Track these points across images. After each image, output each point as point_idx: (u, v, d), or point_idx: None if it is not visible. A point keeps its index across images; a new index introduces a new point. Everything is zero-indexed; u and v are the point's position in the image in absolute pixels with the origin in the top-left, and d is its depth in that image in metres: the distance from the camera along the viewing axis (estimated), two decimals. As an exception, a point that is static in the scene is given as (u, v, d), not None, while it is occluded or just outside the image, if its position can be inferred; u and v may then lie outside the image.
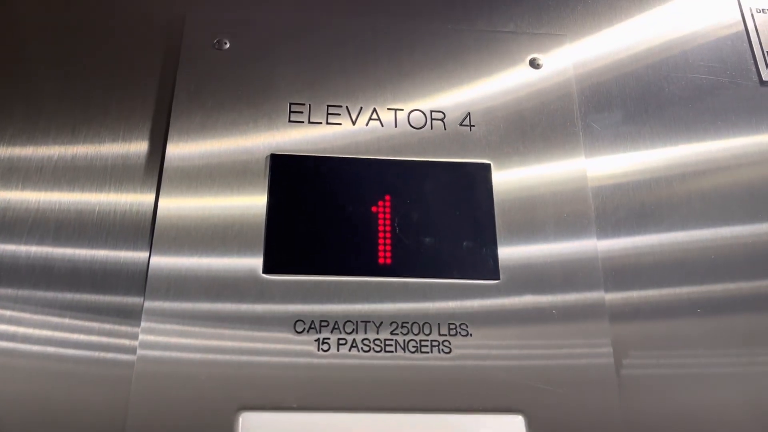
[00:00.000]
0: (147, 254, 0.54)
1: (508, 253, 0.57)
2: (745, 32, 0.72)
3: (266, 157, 0.59)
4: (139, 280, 0.54)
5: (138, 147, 0.59)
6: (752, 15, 0.73)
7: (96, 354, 0.51)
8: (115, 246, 0.55)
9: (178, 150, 0.58)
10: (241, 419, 0.49)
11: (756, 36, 0.72)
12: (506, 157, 0.61)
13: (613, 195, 0.62)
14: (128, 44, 0.63)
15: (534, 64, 0.66)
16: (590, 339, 0.55)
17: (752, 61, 0.71)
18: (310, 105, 0.62)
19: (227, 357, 0.51)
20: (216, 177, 0.58)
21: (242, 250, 0.55)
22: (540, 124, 0.63)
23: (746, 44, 0.72)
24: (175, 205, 0.56)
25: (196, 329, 0.52)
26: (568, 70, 0.66)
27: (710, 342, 0.57)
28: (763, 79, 0.70)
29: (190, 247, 0.55)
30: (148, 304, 0.52)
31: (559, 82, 0.66)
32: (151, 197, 0.57)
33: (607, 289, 0.57)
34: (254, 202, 0.57)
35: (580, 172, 0.62)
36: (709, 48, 0.71)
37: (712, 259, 0.60)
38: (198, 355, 0.51)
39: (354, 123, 0.61)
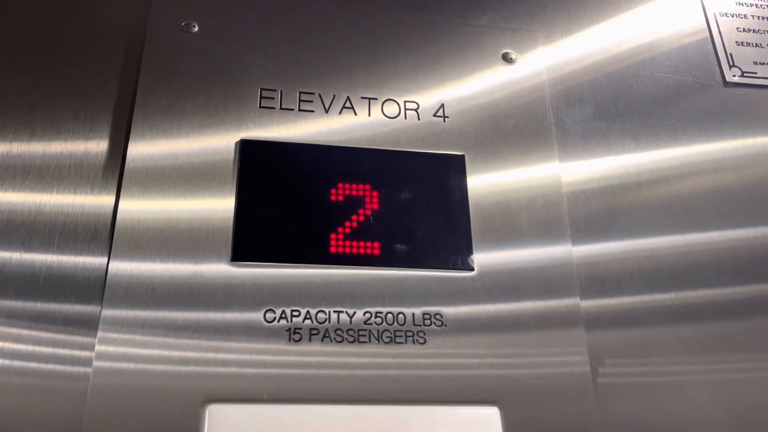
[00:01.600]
0: (105, 259, 0.51)
1: (482, 248, 0.57)
2: (709, 35, 0.74)
3: (236, 142, 0.57)
4: (96, 287, 0.50)
5: (99, 138, 0.56)
6: (716, 19, 0.75)
7: (48, 366, 0.47)
8: (70, 251, 0.52)
9: (143, 134, 0.56)
10: (207, 412, 0.47)
11: (720, 38, 0.73)
12: (480, 149, 0.61)
13: (586, 198, 0.62)
14: (91, 28, 0.61)
15: (507, 58, 0.66)
16: (566, 347, 0.54)
17: (716, 63, 0.72)
18: (281, 91, 0.60)
19: (193, 354, 0.49)
20: (184, 163, 0.55)
21: (209, 243, 0.53)
22: (513, 117, 0.63)
23: (710, 46, 0.73)
24: (139, 198, 0.53)
25: (159, 338, 0.49)
26: (540, 65, 0.67)
27: (685, 349, 0.57)
28: (727, 80, 0.72)
29: (155, 248, 0.52)
30: (106, 313, 0.49)
31: (531, 76, 0.66)
32: (111, 198, 0.54)
33: (582, 296, 0.57)
34: (222, 190, 0.55)
35: (554, 171, 0.61)
36: (676, 49, 0.72)
37: (686, 265, 0.61)
38: (161, 356, 0.48)
39: (327, 111, 0.60)
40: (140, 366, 0.47)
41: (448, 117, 0.62)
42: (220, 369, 0.48)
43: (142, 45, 0.59)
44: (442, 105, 0.62)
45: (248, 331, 0.50)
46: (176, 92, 0.58)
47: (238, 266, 0.52)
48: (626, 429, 0.53)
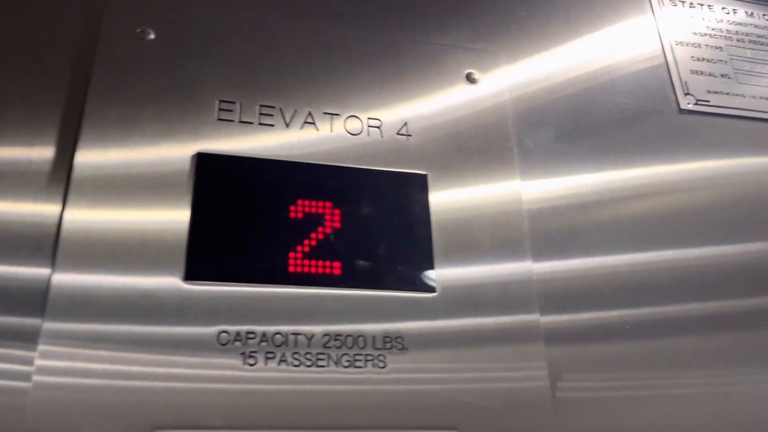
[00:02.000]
0: (49, 271, 0.48)
1: (444, 267, 0.56)
2: (665, 62, 0.75)
3: (192, 155, 0.55)
4: (38, 300, 0.47)
5: (45, 145, 0.53)
6: (671, 47, 0.77)
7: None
8: (11, 262, 0.48)
9: (92, 143, 0.53)
10: (155, 440, 0.44)
11: (675, 66, 0.75)
12: (443, 168, 0.60)
13: (547, 217, 0.62)
14: (40, 31, 0.57)
15: (470, 78, 0.66)
16: (526, 362, 0.54)
17: (671, 90, 0.74)
18: (241, 104, 0.58)
19: (140, 375, 0.46)
20: (136, 175, 0.53)
21: (161, 259, 0.50)
22: (476, 137, 0.63)
23: (666, 73, 0.75)
24: (86, 208, 0.50)
25: (104, 352, 0.46)
26: (503, 86, 0.67)
27: (641, 364, 0.58)
28: (681, 107, 0.73)
29: (102, 261, 0.49)
30: (48, 326, 0.46)
31: (494, 97, 0.66)
32: (56, 209, 0.50)
33: (542, 312, 0.57)
34: (177, 205, 0.52)
35: (515, 191, 0.61)
36: (633, 74, 0.74)
37: (642, 283, 0.61)
38: (107, 373, 0.45)
39: (288, 125, 0.58)
40: (84, 381, 0.45)
41: (411, 135, 0.61)
42: (169, 393, 0.46)
43: (95, 50, 0.57)
44: (406, 123, 0.62)
45: (200, 353, 0.48)
46: (130, 101, 0.55)
47: (191, 284, 0.50)
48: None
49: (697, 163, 0.70)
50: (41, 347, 0.45)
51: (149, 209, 0.52)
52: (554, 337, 0.56)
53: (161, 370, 0.46)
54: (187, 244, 0.51)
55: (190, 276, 0.50)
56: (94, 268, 0.48)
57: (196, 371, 0.47)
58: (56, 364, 0.45)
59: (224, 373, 0.47)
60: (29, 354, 0.45)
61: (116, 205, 0.51)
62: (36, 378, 0.44)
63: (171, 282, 0.49)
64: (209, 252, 0.51)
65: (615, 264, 0.62)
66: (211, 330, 0.49)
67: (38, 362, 0.45)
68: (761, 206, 0.70)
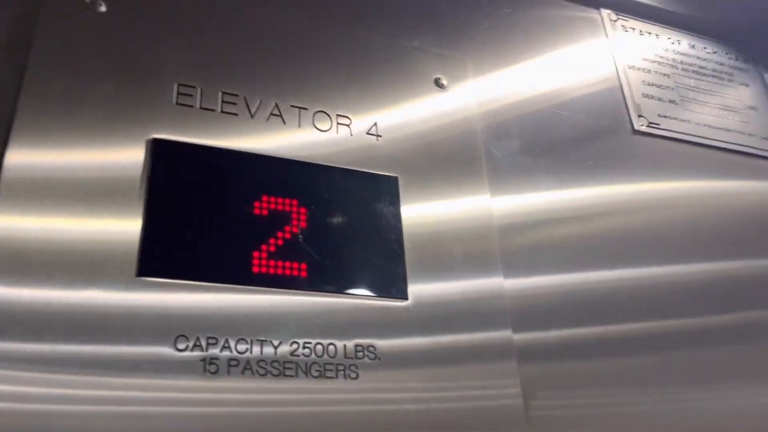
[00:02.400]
0: None
1: (416, 276, 0.53)
2: (619, 84, 0.77)
3: (147, 140, 0.49)
4: None
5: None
6: (625, 70, 0.78)
7: None
8: None
9: (30, 125, 0.46)
10: (98, 459, 0.38)
11: (629, 89, 0.77)
12: (413, 173, 0.58)
13: (515, 231, 0.61)
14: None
15: (438, 83, 0.64)
16: (499, 379, 0.52)
17: (626, 111, 0.75)
18: (201, 89, 0.53)
19: (86, 390, 0.40)
20: (82, 162, 0.46)
21: (110, 255, 0.44)
22: (444, 145, 0.61)
23: (621, 95, 0.76)
24: (21, 207, 0.43)
25: (48, 375, 0.39)
26: (471, 94, 0.65)
27: (610, 381, 0.57)
28: (635, 128, 0.75)
29: (42, 266, 0.42)
30: None
31: (462, 105, 0.64)
32: None
33: (514, 330, 0.55)
34: (128, 195, 0.46)
35: (486, 204, 0.59)
36: (591, 94, 0.74)
37: (607, 300, 0.61)
38: (53, 397, 0.39)
39: (252, 116, 0.54)
40: (24, 406, 0.38)
41: (381, 136, 0.58)
42: (120, 408, 0.40)
43: (36, 18, 0.50)
44: (375, 123, 0.59)
45: (156, 363, 0.42)
46: (76, 78, 0.49)
47: (144, 285, 0.44)
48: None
49: (649, 183, 0.72)
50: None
51: (96, 202, 0.45)
52: (527, 354, 0.54)
53: (113, 382, 0.40)
54: (140, 237, 0.45)
55: (143, 272, 0.44)
56: (34, 278, 0.41)
57: (151, 383, 0.41)
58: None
59: (182, 384, 0.42)
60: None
61: (55, 199, 0.44)
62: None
63: (121, 283, 0.43)
64: (165, 245, 0.45)
65: (581, 281, 0.61)
66: (168, 336, 0.43)
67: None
68: (706, 227, 0.72)
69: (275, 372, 0.45)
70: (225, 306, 0.45)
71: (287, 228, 0.50)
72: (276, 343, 0.46)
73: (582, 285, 0.61)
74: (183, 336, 0.43)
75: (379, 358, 0.48)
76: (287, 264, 0.49)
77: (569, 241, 0.63)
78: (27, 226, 0.43)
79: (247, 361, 0.44)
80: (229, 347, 0.44)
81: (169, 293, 0.44)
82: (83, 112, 0.48)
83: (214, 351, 0.44)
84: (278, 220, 0.50)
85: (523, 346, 0.55)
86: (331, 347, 0.47)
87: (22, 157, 0.45)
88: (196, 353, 0.43)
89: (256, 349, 0.45)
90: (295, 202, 0.52)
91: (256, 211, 0.50)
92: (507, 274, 0.57)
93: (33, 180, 0.44)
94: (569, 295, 0.60)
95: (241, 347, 0.45)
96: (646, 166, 0.73)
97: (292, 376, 0.45)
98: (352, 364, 0.47)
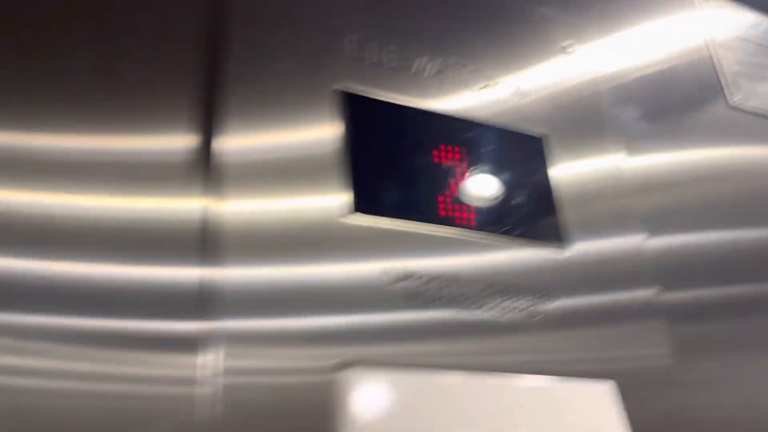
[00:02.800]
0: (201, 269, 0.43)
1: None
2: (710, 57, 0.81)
3: (334, 91, 0.52)
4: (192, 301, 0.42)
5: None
6: (717, 46, 0.83)
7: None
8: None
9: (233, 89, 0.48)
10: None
11: (719, 64, 0.81)
12: (556, 133, 0.61)
13: (649, 191, 0.65)
14: None
15: (566, 48, 0.68)
16: (646, 338, 0.56)
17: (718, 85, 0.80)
18: (378, 43, 0.56)
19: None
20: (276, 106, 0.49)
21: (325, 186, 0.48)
22: (578, 105, 0.65)
23: (713, 70, 0.80)
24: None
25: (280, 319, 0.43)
26: (595, 59, 0.69)
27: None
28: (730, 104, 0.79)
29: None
30: (226, 326, 0.41)
31: (589, 68, 0.68)
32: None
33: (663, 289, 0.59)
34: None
35: (621, 160, 0.63)
36: (685, 65, 0.78)
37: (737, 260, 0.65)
38: (287, 324, 0.42)
39: (421, 73, 0.57)
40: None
41: (525, 96, 0.62)
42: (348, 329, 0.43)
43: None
44: (518, 85, 0.62)
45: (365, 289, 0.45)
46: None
47: (358, 217, 0.47)
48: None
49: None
50: (224, 349, 0.40)
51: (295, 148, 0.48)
52: (673, 313, 0.58)
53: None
54: (352, 177, 0.48)
55: (359, 209, 0.47)
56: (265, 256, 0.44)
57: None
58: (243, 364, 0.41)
59: (391, 317, 0.45)
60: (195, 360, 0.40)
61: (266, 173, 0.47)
62: (220, 380, 0.39)
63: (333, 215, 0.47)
64: (375, 186, 0.49)
65: (718, 240, 0.65)
66: (375, 266, 0.46)
67: (227, 363, 0.40)
68: None
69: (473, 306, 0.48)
70: (425, 242, 0.49)
71: (459, 177, 0.54)
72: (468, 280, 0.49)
73: (718, 244, 0.65)
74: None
75: (552, 300, 0.52)
76: (468, 207, 0.52)
77: (698, 201, 0.67)
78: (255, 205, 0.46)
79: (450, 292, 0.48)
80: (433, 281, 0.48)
81: (376, 231, 0.48)
82: (275, 68, 0.51)
83: (420, 284, 0.47)
84: (451, 170, 0.54)
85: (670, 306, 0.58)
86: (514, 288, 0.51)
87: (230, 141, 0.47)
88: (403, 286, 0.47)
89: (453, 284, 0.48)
90: (464, 154, 0.55)
91: (436, 160, 0.53)
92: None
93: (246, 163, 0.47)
94: (706, 255, 0.64)
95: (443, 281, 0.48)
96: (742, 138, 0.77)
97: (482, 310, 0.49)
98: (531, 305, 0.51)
